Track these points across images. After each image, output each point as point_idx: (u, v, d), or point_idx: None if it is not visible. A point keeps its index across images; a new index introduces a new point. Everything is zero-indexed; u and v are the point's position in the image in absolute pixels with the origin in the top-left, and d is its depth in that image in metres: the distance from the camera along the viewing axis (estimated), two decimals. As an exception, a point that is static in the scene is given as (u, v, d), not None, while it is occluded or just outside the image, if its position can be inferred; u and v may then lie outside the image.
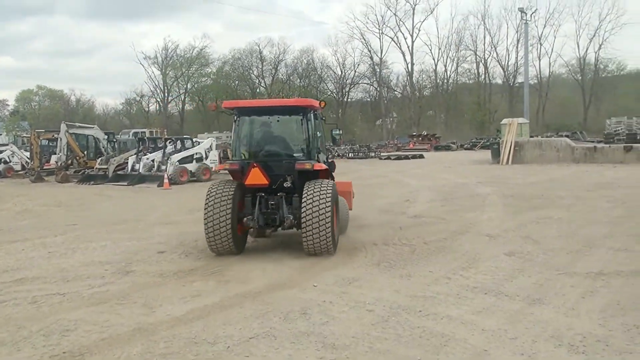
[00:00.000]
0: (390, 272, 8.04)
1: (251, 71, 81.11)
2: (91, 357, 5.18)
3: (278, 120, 10.07)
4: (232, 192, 9.05)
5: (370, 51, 78.26)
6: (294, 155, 9.68)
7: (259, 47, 78.74)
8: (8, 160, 35.04)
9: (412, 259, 8.84)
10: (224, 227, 8.90)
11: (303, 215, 8.73)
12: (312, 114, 9.90)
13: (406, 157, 40.51)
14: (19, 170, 33.37)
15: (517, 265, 8.30)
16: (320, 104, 10.56)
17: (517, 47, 73.07)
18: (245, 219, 9.27)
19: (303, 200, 8.83)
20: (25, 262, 9.36)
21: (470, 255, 8.97)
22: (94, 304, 6.87)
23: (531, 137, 33.52)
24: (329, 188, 8.92)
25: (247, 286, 7.45)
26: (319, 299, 6.78)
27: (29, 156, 32.83)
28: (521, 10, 53.51)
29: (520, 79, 69.05)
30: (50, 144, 33.99)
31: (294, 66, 79.65)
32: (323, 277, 7.84)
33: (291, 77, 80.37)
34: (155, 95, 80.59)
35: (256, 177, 9.11)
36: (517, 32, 71.91)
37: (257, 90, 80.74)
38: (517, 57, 73.43)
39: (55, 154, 30.38)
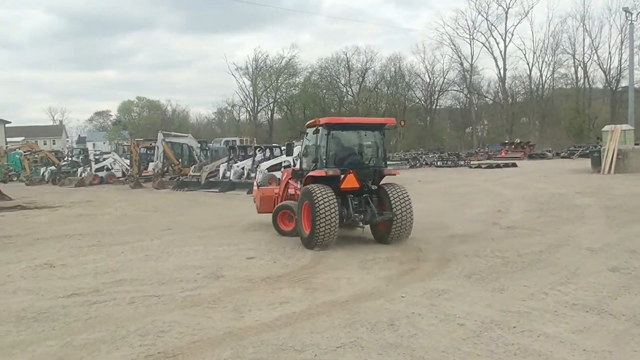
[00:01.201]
0: (482, 285, 7.72)
1: (338, 80, 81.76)
2: (184, 359, 5.32)
3: (365, 135, 11.66)
4: (334, 195, 10.41)
5: (460, 57, 76.75)
6: (376, 163, 11.54)
7: (346, 55, 79.32)
8: (110, 168, 37.35)
9: (506, 272, 8.45)
10: (334, 224, 10.29)
11: (397, 207, 10.67)
12: (384, 130, 11.60)
13: (498, 166, 39.12)
14: (120, 177, 35.48)
15: (622, 282, 7.71)
16: (401, 123, 12.00)
17: (620, 49, 68.54)
18: (354, 215, 10.79)
19: (394, 197, 10.80)
20: (125, 265, 9.85)
21: (569, 270, 8.43)
22: (187, 306, 7.08)
23: (636, 144, 31.27)
24: (404, 188, 11.13)
25: (334, 295, 7.41)
26: (407, 311, 6.61)
27: (128, 163, 34.86)
28: (626, 11, 50.21)
29: (624, 83, 64.55)
30: (148, 152, 35.89)
31: (382, 74, 79.50)
32: (411, 288, 7.66)
33: (379, 85, 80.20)
34: (246, 105, 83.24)
35: (351, 181, 10.77)
36: (620, 33, 67.53)
37: (345, 98, 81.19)
38: (620, 60, 68.90)
39: (152, 161, 32.02)
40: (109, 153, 45.11)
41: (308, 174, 11.36)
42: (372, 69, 79.65)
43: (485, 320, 6.18)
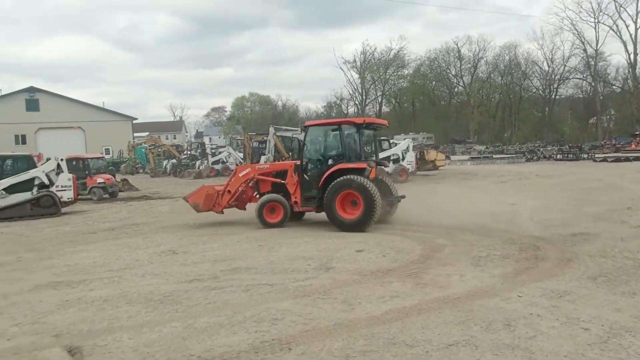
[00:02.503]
0: (610, 288, 7.18)
1: (448, 70, 79.65)
2: (297, 347, 5.45)
3: (371, 133, 14.00)
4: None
5: (583, 43, 71.82)
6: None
7: (457, 45, 77.06)
8: (225, 161, 39.15)
9: (638, 274, 7.79)
10: (381, 207, 12.39)
11: (397, 192, 13.91)
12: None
13: (627, 159, 36.25)
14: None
15: None
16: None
17: None
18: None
19: (391, 185, 14.01)
20: (240, 253, 10.29)
21: None
22: (298, 296, 7.25)
23: None
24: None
25: (445, 291, 7.24)
26: (524, 311, 6.30)
27: (242, 157, 36.31)
28: None
29: None
30: (260, 145, 37.14)
31: (495, 63, 76.32)
32: (529, 288, 7.29)
33: (492, 75, 77.11)
34: (354, 98, 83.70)
35: (373, 172, 12.88)
36: None
37: (455, 89, 78.98)
38: None
39: (264, 154, 33.10)
40: (224, 147, 47.34)
41: (335, 167, 12.81)
42: (485, 58, 76.78)
43: (614, 326, 5.74)
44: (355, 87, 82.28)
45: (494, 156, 48.05)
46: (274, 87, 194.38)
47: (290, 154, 32.37)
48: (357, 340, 5.56)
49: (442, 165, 34.87)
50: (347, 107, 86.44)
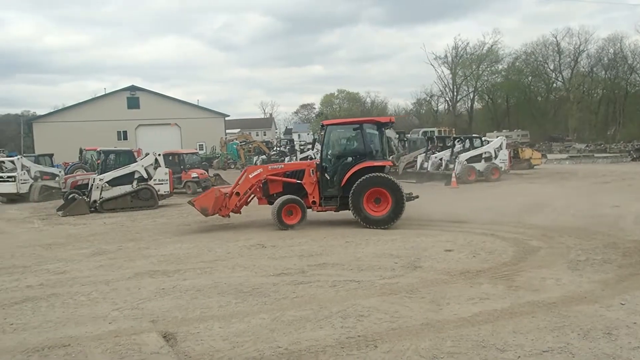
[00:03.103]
0: None
1: (546, 65, 75.85)
2: (382, 345, 5.40)
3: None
4: None
5: (697, 33, 65.67)
6: None
7: (555, 38, 73.19)
8: (314, 157, 39.49)
9: None
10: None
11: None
12: None
13: None
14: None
15: None
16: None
17: None
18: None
19: None
20: (327, 249, 10.36)
21: None
22: (385, 293, 7.19)
23: None
24: None
25: (539, 295, 6.90)
26: (627, 320, 5.88)
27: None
28: None
29: None
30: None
31: (598, 57, 71.69)
32: (633, 295, 6.80)
33: (594, 69, 72.62)
34: (445, 95, 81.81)
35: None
36: None
37: (553, 85, 75.19)
38: None
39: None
40: (312, 143, 47.82)
41: (359, 165, 12.91)
42: (587, 51, 72.28)
43: None
44: (446, 84, 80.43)
45: (595, 155, 45.32)
46: (363, 84, 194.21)
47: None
48: (445, 342, 5.43)
49: (538, 164, 33.33)
50: (437, 104, 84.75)
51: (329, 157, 13.67)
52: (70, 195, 19.55)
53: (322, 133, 14.44)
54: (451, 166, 25.28)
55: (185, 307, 6.90)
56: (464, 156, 25.37)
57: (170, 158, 24.90)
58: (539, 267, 8.41)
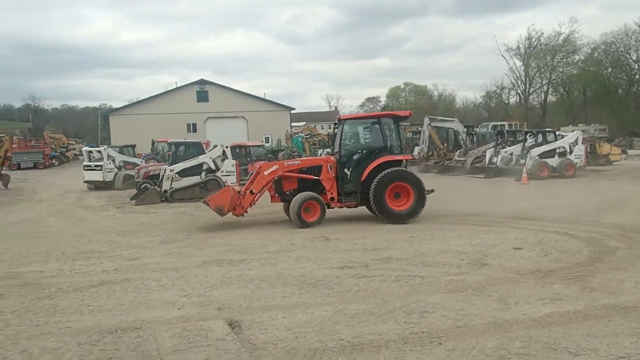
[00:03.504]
0: None
1: (628, 56, 71.70)
2: (447, 342, 5.29)
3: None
4: None
5: None
6: None
7: (639, 27, 69.04)
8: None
9: None
10: None
11: None
12: None
13: None
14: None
15: None
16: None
17: None
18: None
19: None
20: (391, 244, 10.26)
21: None
22: (450, 290, 7.04)
23: None
24: None
25: (617, 298, 6.55)
26: None
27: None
28: None
29: None
30: (414, 136, 36.71)
31: (688, 46, 66.99)
32: None
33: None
34: (516, 87, 79.02)
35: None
36: None
37: (636, 76, 71.05)
38: None
39: (418, 145, 32.65)
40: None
41: (379, 159, 12.84)
42: (676, 40, 67.59)
43: None
44: (518, 76, 77.60)
45: (680, 151, 42.65)
46: (430, 77, 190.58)
47: (445, 145, 31.64)
48: (513, 342, 5.25)
49: (617, 160, 31.67)
50: (507, 97, 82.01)
51: (347, 152, 13.47)
52: (143, 185, 20.36)
53: (336, 129, 14.36)
54: (522, 161, 24.37)
55: (250, 296, 7.03)
56: (536, 151, 24.42)
57: (237, 150, 25.42)
58: (617, 268, 7.98)
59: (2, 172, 28.49)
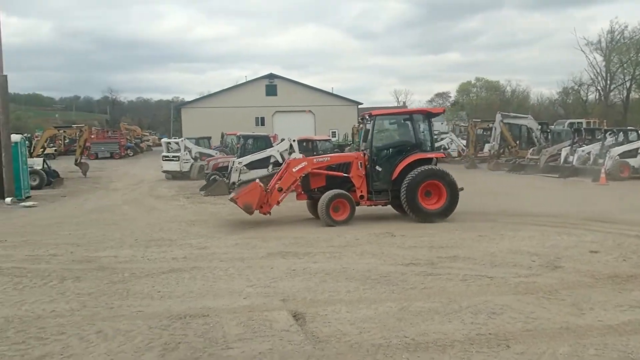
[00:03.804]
0: None
1: None
2: (515, 345, 5.11)
3: None
4: None
5: None
6: None
7: None
8: (447, 147, 38.57)
9: None
10: None
11: None
12: None
13: None
14: (456, 157, 36.34)
15: None
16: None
17: None
18: None
19: None
20: (458, 242, 10.03)
21: None
22: (520, 292, 6.80)
23: None
24: None
25: (703, 308, 6.12)
26: None
27: (465, 144, 35.39)
28: None
29: None
30: (485, 132, 35.74)
31: None
32: None
33: None
34: (596, 83, 75.30)
35: None
36: None
37: None
38: None
39: (489, 142, 31.78)
40: (447, 133, 46.63)
41: (411, 157, 12.58)
42: None
43: None
44: (598, 71, 73.89)
45: None
46: (503, 72, 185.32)
47: (517, 142, 30.65)
48: (587, 349, 5.00)
49: None
50: (586, 93, 78.26)
51: (378, 149, 13.12)
52: (212, 177, 20.91)
53: (362, 125, 14.16)
54: (600, 161, 23.22)
55: (314, 289, 7.06)
56: (617, 150, 23.15)
57: (304, 144, 25.58)
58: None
59: (82, 160, 30.11)
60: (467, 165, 30.88)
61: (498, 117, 29.95)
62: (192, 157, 27.37)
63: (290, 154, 20.48)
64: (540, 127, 31.32)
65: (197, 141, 30.47)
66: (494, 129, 30.21)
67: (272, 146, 21.59)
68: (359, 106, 65.63)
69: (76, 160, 29.75)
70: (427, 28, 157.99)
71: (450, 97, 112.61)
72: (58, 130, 35.99)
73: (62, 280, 7.80)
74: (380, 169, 12.92)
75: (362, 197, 12.80)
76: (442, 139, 40.76)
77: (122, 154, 50.75)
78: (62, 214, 15.56)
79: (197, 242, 10.44)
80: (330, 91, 66.97)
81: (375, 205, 13.12)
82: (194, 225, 12.68)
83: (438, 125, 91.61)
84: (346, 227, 11.78)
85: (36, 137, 34.78)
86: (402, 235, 10.73)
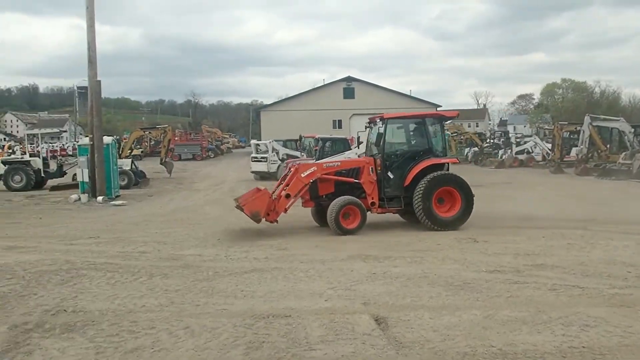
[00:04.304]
0: None
1: None
2: (612, 361, 4.83)
3: None
4: None
5: None
6: None
7: None
8: (531, 151, 37.19)
9: None
10: None
11: None
12: None
13: None
14: (540, 161, 34.96)
15: None
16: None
17: None
18: None
19: None
20: (545, 250, 9.61)
21: None
22: (615, 305, 6.42)
23: None
24: None
25: None
26: None
27: (550, 147, 33.97)
28: None
29: None
30: (571, 136, 34.16)
31: None
32: None
33: None
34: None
35: None
36: None
37: None
38: None
39: (576, 146, 30.35)
40: (530, 136, 44.99)
41: (424, 162, 12.06)
42: None
43: None
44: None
45: None
46: (592, 73, 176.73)
47: (607, 146, 29.08)
48: (694, 369, 4.64)
49: None
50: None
51: (390, 153, 12.54)
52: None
53: (367, 128, 13.64)
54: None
55: (395, 294, 6.98)
56: None
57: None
58: None
59: (166, 160, 31.47)
60: (552, 170, 29.65)
61: (587, 119, 28.53)
62: (279, 159, 28.30)
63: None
64: (633, 130, 29.51)
65: (285, 143, 31.29)
66: (582, 132, 28.78)
67: (350, 148, 21.63)
68: (438, 109, 64.61)
69: (161, 160, 31.15)
70: (510, 28, 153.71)
71: (533, 99, 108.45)
72: (144, 132, 37.79)
73: (151, 276, 8.14)
74: (392, 175, 12.34)
75: (373, 204, 12.18)
76: (525, 142, 39.37)
77: (204, 155, 52.60)
78: (149, 212, 16.30)
79: (278, 243, 10.60)
80: (408, 94, 66.32)
81: (386, 212, 12.54)
82: (274, 226, 12.86)
83: (521, 128, 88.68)
84: (426, 232, 11.53)
85: (124, 139, 36.63)
86: (485, 241, 10.41)
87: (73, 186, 22.52)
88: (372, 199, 12.15)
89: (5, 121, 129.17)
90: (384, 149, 12.35)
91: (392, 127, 12.95)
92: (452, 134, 48.28)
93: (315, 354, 5.10)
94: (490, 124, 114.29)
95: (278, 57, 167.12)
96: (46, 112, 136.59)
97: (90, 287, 7.56)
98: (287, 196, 11.81)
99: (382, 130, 12.29)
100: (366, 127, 13.97)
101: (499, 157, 38.84)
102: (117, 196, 19.97)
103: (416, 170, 12.07)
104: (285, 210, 11.95)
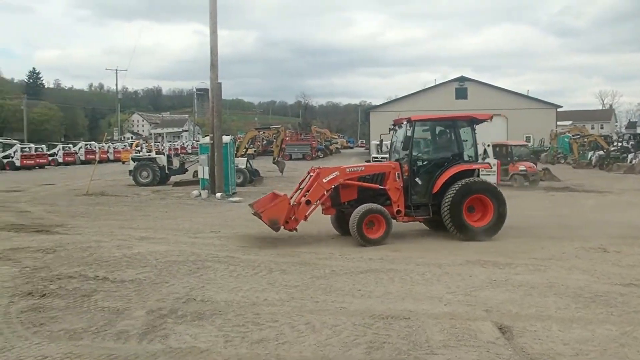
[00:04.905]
0: None
1: None
2: None
3: None
4: None
5: None
6: None
7: None
8: None
9: None
10: None
11: None
12: None
13: None
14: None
15: None
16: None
17: None
18: None
19: None
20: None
21: None
22: None
23: None
24: None
25: None
26: None
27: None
28: None
29: None
30: None
31: None
32: None
33: None
34: None
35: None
36: None
37: None
38: None
39: None
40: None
41: (454, 168, 11.30)
42: None
43: None
44: None
45: None
46: None
47: None
48: None
49: None
50: None
51: (417, 158, 11.64)
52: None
53: (391, 131, 12.82)
54: None
55: (519, 302, 6.68)
56: None
57: (498, 149, 24.53)
58: None
59: (279, 159, 32.47)
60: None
61: None
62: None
63: (484, 159, 19.75)
64: None
65: None
66: None
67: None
68: (558, 109, 61.23)
69: (274, 159, 32.16)
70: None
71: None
72: (258, 132, 39.21)
73: (270, 271, 8.42)
74: (419, 181, 11.56)
75: (399, 212, 11.36)
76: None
77: (314, 155, 53.63)
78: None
79: (392, 245, 10.54)
80: (526, 94, 63.42)
81: (416, 220, 11.79)
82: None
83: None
84: (547, 239, 10.88)
85: (239, 138, 38.22)
86: (616, 251, 9.67)
87: (194, 182, 23.91)
88: (398, 206, 11.35)
89: (133, 121, 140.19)
90: (412, 153, 11.62)
91: (420, 130, 12.24)
92: (573, 136, 45.51)
93: (437, 359, 5.00)
94: (616, 125, 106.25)
95: (388, 58, 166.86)
96: (168, 113, 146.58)
97: (215, 279, 7.96)
98: (308, 202, 11.09)
99: (409, 133, 11.64)
100: (390, 130, 13.23)
101: (628, 161, 35.92)
102: (234, 193, 20.88)
103: (446, 177, 11.31)
104: (306, 218, 11.21)
